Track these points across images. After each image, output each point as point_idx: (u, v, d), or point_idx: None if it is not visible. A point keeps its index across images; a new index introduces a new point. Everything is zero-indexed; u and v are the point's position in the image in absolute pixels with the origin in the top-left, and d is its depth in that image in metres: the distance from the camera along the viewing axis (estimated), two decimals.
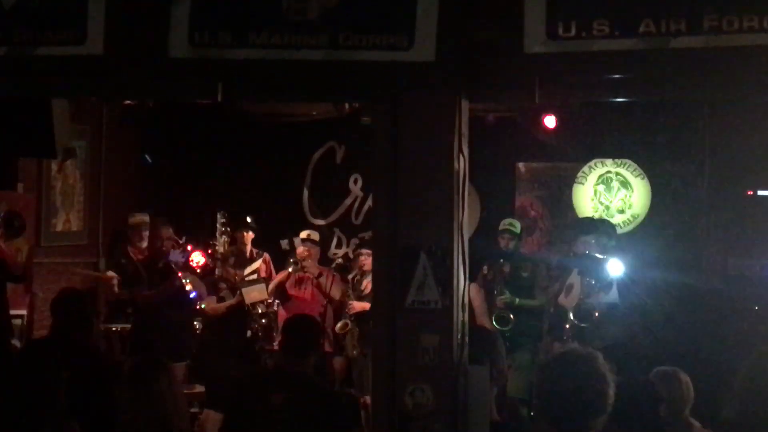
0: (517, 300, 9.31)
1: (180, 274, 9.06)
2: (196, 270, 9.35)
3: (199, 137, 11.42)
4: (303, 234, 10.06)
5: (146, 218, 9.80)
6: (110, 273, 9.33)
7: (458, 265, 5.49)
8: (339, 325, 9.10)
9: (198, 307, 9.18)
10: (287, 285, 9.74)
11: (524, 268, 9.57)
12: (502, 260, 9.46)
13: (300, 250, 9.82)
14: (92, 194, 10.85)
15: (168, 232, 9.37)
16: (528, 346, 9.40)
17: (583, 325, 7.96)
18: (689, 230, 9.98)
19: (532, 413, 8.95)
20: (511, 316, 9.19)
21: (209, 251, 9.68)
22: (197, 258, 9.24)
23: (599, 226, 8.64)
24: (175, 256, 9.11)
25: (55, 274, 9.87)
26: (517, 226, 9.72)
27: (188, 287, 9.01)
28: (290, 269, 9.65)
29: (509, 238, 9.56)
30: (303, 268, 9.67)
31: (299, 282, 9.76)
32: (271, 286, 9.69)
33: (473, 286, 8.80)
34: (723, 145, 9.61)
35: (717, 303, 9.18)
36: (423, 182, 5.46)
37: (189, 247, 9.31)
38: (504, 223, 9.66)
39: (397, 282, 5.45)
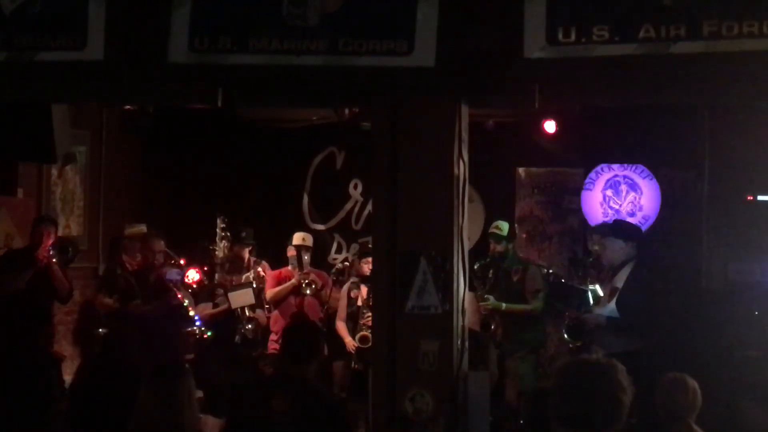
0: (504, 305, 9.08)
1: (180, 295, 9.05)
2: (192, 286, 9.29)
3: (199, 142, 11.42)
4: (297, 239, 9.85)
5: (143, 229, 9.79)
6: (106, 300, 9.30)
7: (458, 270, 5.50)
8: (358, 337, 9.03)
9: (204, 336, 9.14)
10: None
11: (515, 272, 9.31)
12: (481, 263, 9.26)
13: (304, 260, 9.68)
14: (92, 199, 10.84)
15: (160, 245, 9.33)
16: (520, 354, 9.14)
17: (577, 343, 7.86)
18: (689, 235, 9.97)
19: (521, 421, 8.90)
20: (492, 326, 9.01)
21: (204, 267, 9.60)
22: (193, 275, 9.19)
23: (606, 231, 8.52)
24: (172, 274, 9.09)
25: None
26: (504, 229, 9.42)
27: (191, 310, 9.02)
28: (307, 291, 9.51)
29: (496, 241, 9.37)
30: (312, 282, 9.55)
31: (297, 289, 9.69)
32: (272, 293, 9.63)
33: (469, 294, 8.69)
34: (723, 150, 9.61)
35: (717, 307, 9.17)
36: (423, 187, 5.46)
37: (182, 262, 9.28)
38: (491, 226, 9.51)
39: (397, 287, 5.45)
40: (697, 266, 9.79)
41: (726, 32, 5.01)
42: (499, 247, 9.33)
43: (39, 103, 7.91)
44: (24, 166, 9.73)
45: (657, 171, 10.39)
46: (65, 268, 8.80)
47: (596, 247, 8.83)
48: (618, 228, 8.50)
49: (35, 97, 6.71)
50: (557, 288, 7.96)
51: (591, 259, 8.86)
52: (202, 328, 9.19)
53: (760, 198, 9.35)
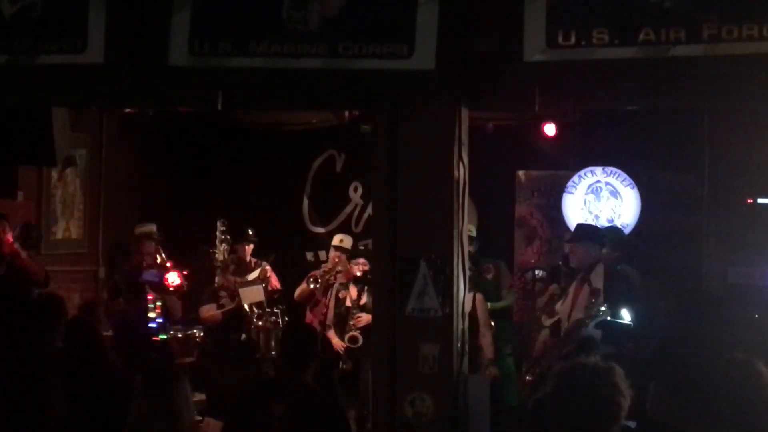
0: (489, 305, 9.12)
1: (151, 297, 9.00)
2: (169, 289, 9.24)
3: (199, 145, 11.42)
4: (336, 240, 9.97)
5: (153, 228, 9.79)
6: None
7: (458, 274, 5.50)
8: (347, 337, 9.04)
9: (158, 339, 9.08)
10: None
11: (487, 270, 9.46)
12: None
13: (333, 254, 9.77)
14: (92, 203, 10.84)
15: (150, 246, 9.33)
16: (507, 350, 9.26)
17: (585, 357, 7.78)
18: (689, 238, 9.97)
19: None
20: (492, 324, 9.06)
21: (185, 272, 9.57)
22: (173, 278, 9.15)
23: (594, 235, 8.53)
24: (149, 275, 9.05)
25: (54, 282, 9.85)
26: (473, 230, 9.53)
27: (151, 314, 8.95)
28: (311, 286, 9.58)
29: (468, 242, 9.38)
30: (327, 281, 9.59)
31: (326, 288, 9.72)
32: (297, 293, 9.69)
33: (479, 296, 8.66)
34: (723, 154, 9.61)
35: (717, 311, 9.16)
36: (423, 190, 5.47)
37: (168, 265, 9.26)
38: None
39: (397, 290, 5.45)
40: (697, 269, 9.79)
41: (726, 35, 5.01)
42: (471, 248, 9.37)
43: (39, 106, 7.91)
44: (24, 170, 9.74)
45: (657, 174, 10.39)
46: (33, 252, 8.83)
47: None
48: (580, 232, 8.58)
49: (35, 101, 6.71)
50: (608, 328, 7.66)
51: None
52: (161, 334, 9.10)
53: (760, 201, 9.35)
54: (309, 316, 9.71)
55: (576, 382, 3.28)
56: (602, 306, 7.82)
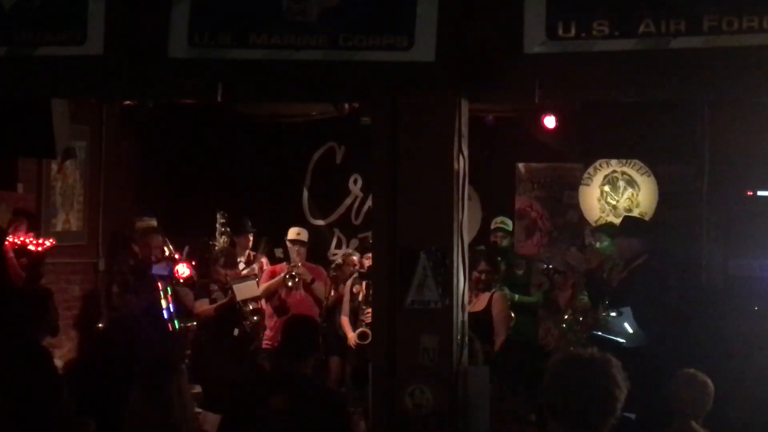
0: (516, 297, 9.26)
1: (161, 284, 8.99)
2: (179, 281, 9.24)
3: (199, 137, 11.42)
4: (292, 234, 9.79)
5: (153, 223, 9.80)
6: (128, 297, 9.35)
7: (458, 265, 5.49)
8: (358, 333, 9.04)
9: (171, 327, 9.05)
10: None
11: (519, 266, 9.60)
12: (499, 258, 9.40)
13: (292, 248, 9.65)
14: (92, 194, 10.84)
15: (158, 240, 9.33)
16: (528, 346, 9.31)
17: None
18: (689, 230, 9.97)
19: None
20: (512, 315, 9.14)
21: (193, 262, 9.57)
22: (182, 270, 9.16)
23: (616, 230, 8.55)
24: (159, 269, 9.05)
25: (54, 275, 9.86)
26: (509, 224, 9.75)
27: (163, 302, 8.94)
28: (289, 283, 9.49)
29: (502, 236, 9.61)
30: (298, 275, 9.52)
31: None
32: (263, 287, 9.60)
33: (496, 295, 8.60)
34: (723, 146, 9.60)
35: (717, 303, 9.17)
36: (423, 182, 5.46)
37: (176, 256, 9.27)
38: (496, 221, 9.69)
39: (396, 282, 5.45)
40: (697, 262, 9.78)
41: (726, 27, 5.01)
42: (505, 242, 9.58)
43: (39, 98, 7.91)
44: (24, 162, 9.74)
45: (657, 166, 10.39)
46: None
47: (595, 244, 8.91)
48: (626, 224, 8.55)
49: (35, 93, 6.70)
50: (600, 343, 7.59)
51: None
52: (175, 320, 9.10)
53: (760, 193, 9.34)
54: (269, 312, 9.56)
55: (572, 373, 3.28)
56: (613, 312, 7.79)
